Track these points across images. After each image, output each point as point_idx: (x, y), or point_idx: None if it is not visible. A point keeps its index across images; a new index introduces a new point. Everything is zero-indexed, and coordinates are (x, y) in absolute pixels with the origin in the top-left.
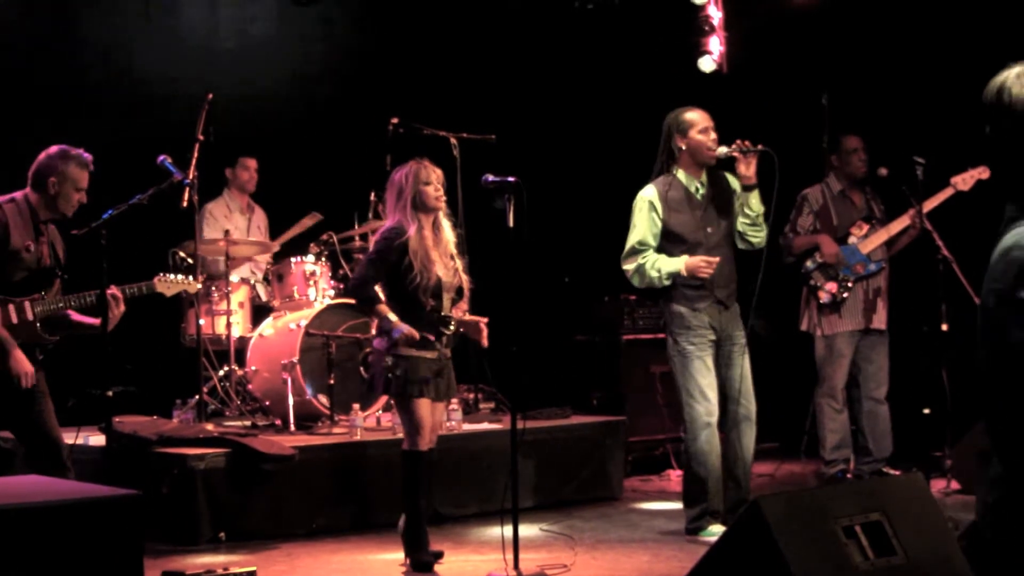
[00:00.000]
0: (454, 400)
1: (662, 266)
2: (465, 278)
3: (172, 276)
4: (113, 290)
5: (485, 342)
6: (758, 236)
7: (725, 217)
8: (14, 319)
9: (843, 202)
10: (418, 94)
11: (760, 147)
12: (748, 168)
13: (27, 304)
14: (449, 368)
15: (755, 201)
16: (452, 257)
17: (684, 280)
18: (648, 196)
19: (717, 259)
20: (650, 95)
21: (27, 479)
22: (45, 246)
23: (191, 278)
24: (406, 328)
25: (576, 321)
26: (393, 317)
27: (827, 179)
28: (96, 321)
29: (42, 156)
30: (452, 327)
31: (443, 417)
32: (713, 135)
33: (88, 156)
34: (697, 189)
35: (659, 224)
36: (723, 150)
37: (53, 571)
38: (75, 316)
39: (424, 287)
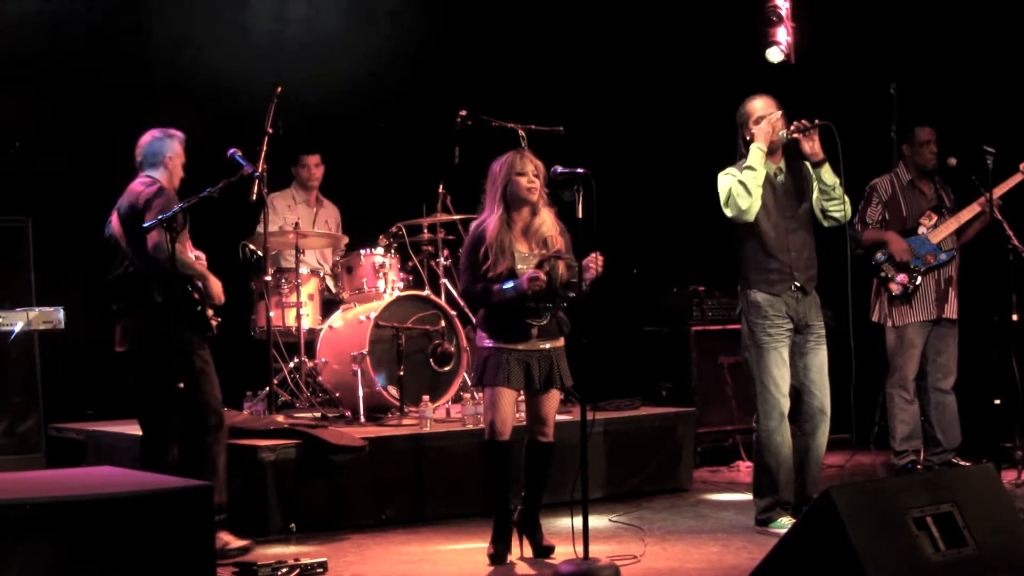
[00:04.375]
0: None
1: (747, 164)
2: (562, 265)
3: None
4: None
5: (595, 271)
6: (839, 209)
7: (803, 202)
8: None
9: (912, 192)
10: (486, 86)
11: (818, 122)
12: (812, 145)
13: None
14: (549, 358)
15: (827, 174)
16: (546, 245)
17: (765, 263)
18: (729, 171)
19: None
20: (718, 86)
21: (101, 470)
22: None
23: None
24: (527, 276)
25: (645, 312)
26: (509, 282)
27: (896, 169)
28: None
29: (146, 139)
30: (543, 318)
31: (551, 406)
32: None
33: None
34: (776, 175)
35: None
36: (783, 133)
37: (127, 561)
38: None
39: (496, 280)
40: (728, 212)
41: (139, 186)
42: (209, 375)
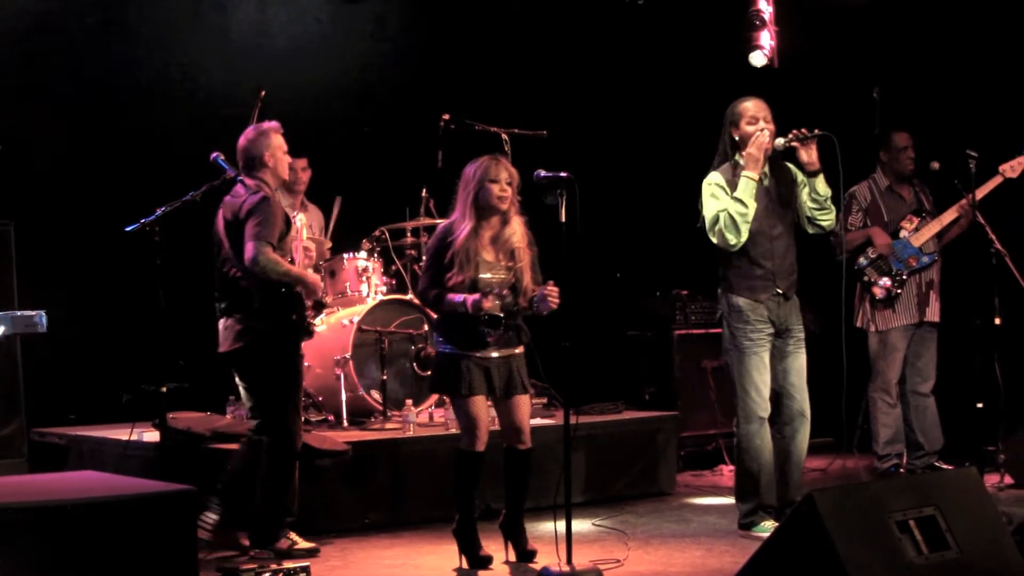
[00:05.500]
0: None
1: (737, 195)
2: (527, 277)
3: None
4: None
5: (554, 304)
6: (827, 219)
7: (788, 207)
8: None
9: (892, 197)
10: (469, 90)
11: (817, 132)
12: (810, 155)
13: None
14: (510, 364)
15: (821, 185)
16: (513, 257)
17: (748, 269)
18: (715, 180)
19: (766, 129)
20: (701, 90)
21: (83, 475)
22: None
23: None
24: (473, 301)
25: (628, 316)
26: (459, 298)
27: (874, 175)
28: None
29: (242, 142)
30: (499, 327)
31: (522, 413)
32: (762, 125)
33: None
34: (761, 180)
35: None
36: (780, 141)
37: (109, 565)
38: None
39: (457, 287)
40: (713, 239)
41: (244, 192)
42: (297, 385)
